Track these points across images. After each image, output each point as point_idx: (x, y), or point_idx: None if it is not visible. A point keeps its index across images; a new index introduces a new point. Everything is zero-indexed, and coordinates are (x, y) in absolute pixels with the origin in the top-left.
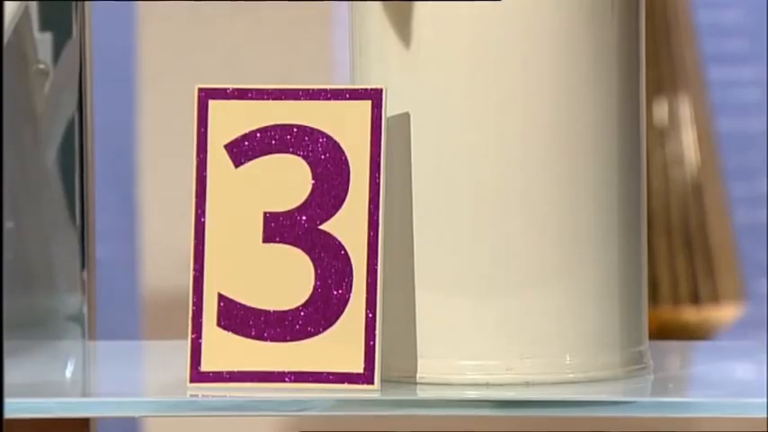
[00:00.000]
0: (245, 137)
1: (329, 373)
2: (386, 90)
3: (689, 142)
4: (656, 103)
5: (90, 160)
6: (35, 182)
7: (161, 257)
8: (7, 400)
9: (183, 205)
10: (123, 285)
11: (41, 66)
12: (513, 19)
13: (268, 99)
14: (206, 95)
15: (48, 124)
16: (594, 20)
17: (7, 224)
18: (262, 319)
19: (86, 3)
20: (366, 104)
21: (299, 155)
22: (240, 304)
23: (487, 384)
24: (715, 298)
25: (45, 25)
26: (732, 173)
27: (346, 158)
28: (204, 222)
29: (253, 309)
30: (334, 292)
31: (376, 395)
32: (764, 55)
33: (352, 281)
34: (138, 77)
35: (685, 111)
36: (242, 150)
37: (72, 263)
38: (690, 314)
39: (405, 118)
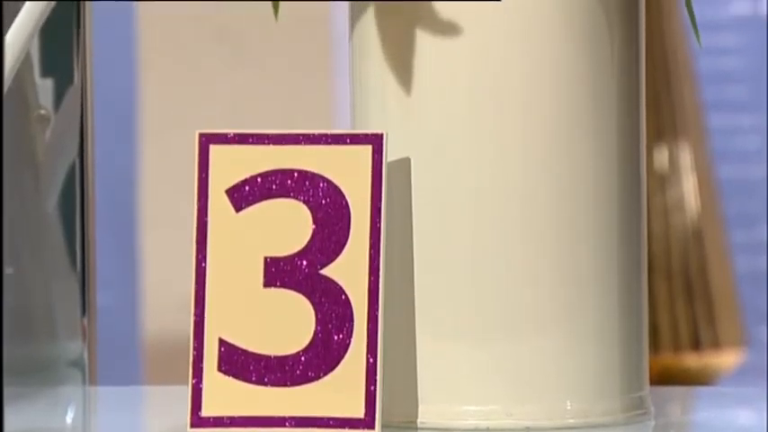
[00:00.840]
0: (245, 182)
1: (330, 419)
2: (386, 135)
3: (689, 188)
4: (656, 150)
5: (91, 206)
6: (36, 227)
7: (161, 303)
8: None
9: (183, 251)
10: (124, 331)
11: (43, 112)
12: (512, 65)
13: (269, 144)
14: (207, 140)
15: (49, 170)
16: (595, 66)
17: (7, 270)
18: (262, 363)
19: (87, 49)
20: (366, 149)
21: (299, 200)
22: (241, 349)
23: (488, 429)
24: (716, 344)
25: (46, 71)
26: (732, 219)
27: (347, 203)
28: (205, 267)
29: (253, 354)
30: (335, 337)
31: None
32: (764, 103)
33: (352, 326)
34: (140, 123)
35: (686, 157)
36: (243, 195)
37: (72, 308)
38: (691, 360)
39: (405, 163)
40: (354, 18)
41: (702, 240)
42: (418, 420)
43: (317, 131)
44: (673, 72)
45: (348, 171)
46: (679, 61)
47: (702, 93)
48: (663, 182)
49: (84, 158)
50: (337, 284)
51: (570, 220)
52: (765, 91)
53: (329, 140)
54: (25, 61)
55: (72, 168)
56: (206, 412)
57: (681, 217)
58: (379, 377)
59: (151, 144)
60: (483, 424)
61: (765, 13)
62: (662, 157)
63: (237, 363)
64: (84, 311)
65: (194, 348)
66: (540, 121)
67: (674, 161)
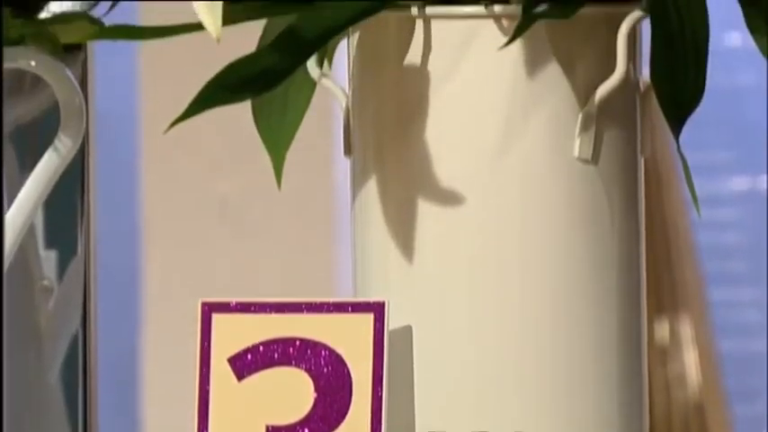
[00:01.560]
0: (247, 350)
1: None
2: (388, 303)
3: (691, 362)
4: (657, 323)
5: (93, 377)
6: (37, 398)
7: None
8: None
9: (185, 421)
10: None
11: (46, 282)
12: (512, 235)
13: (271, 312)
14: (209, 309)
15: (51, 340)
16: (594, 238)
17: None
18: None
19: (91, 221)
20: (368, 317)
21: (301, 368)
22: None
23: None
24: None
25: (50, 242)
26: (734, 394)
27: (348, 371)
28: None
29: None
30: None
31: None
32: (764, 277)
33: None
34: (142, 293)
35: (687, 331)
36: (245, 364)
37: None
38: None
39: (407, 331)
40: (356, 187)
41: (704, 414)
42: None
43: (318, 300)
44: (673, 245)
45: (350, 339)
46: (679, 235)
47: (703, 266)
48: (664, 355)
49: (87, 329)
50: None
51: (569, 392)
52: (765, 265)
53: (331, 309)
54: (29, 233)
55: (74, 339)
56: None
57: (682, 391)
58: None
59: (153, 314)
60: None
61: (764, 189)
62: (662, 330)
63: None
64: None
65: None
66: (539, 293)
67: (674, 335)
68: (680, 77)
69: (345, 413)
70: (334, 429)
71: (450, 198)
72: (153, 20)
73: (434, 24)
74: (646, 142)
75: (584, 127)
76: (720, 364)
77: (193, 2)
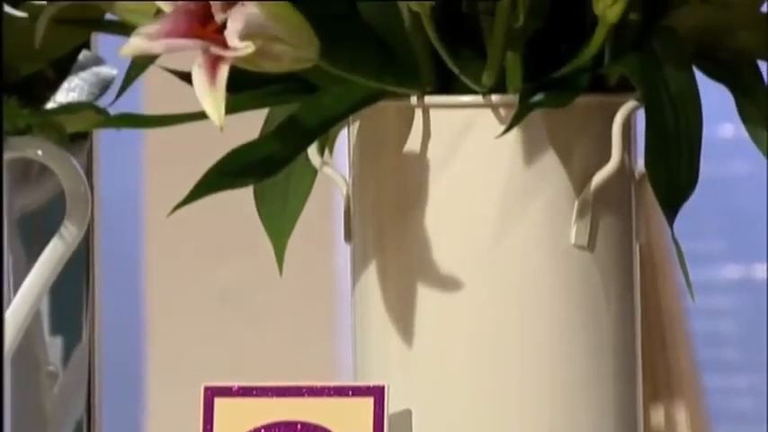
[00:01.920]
0: None
1: None
2: (388, 387)
3: None
4: (653, 409)
5: None
6: None
7: None
8: None
9: None
10: None
11: (51, 368)
12: (509, 322)
13: (272, 396)
14: (212, 393)
15: (56, 425)
16: (591, 324)
17: None
18: None
19: (96, 308)
20: (368, 401)
21: None
22: None
23: None
24: None
25: (56, 329)
26: None
27: None
28: None
29: None
30: None
31: None
32: (760, 364)
33: None
34: (146, 380)
35: (682, 417)
36: None
37: None
38: None
39: (406, 415)
40: (356, 272)
41: None
42: None
43: (319, 384)
44: (668, 332)
45: (350, 423)
46: (674, 321)
47: (697, 353)
48: None
49: (91, 414)
50: None
51: None
52: (763, 352)
53: (331, 392)
54: (35, 319)
55: (79, 424)
56: None
57: None
58: None
59: (156, 399)
60: None
61: (757, 277)
62: (658, 416)
63: None
64: None
65: None
66: (537, 378)
67: (670, 421)
68: (674, 167)
69: None
70: None
71: (449, 283)
72: (157, 108)
73: (433, 113)
74: (641, 229)
75: (581, 214)
76: None
77: (197, 91)
